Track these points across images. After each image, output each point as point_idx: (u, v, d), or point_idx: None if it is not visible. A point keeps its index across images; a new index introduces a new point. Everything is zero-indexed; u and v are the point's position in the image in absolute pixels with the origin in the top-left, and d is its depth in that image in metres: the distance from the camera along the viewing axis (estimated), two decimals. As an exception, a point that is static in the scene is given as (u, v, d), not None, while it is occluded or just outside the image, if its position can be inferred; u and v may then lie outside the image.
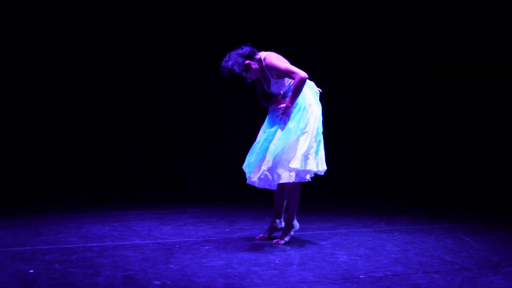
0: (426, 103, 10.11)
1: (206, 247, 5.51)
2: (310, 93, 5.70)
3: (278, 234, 5.86)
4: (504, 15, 9.69)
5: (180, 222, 6.86)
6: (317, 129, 5.61)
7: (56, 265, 4.89)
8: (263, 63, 5.58)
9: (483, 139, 9.87)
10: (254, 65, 5.57)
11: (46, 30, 9.07)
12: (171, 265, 4.85)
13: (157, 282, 4.37)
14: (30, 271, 4.70)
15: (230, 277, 4.48)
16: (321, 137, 5.65)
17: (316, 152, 5.54)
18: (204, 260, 5.00)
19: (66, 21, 9.12)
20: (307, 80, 5.61)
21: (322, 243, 5.68)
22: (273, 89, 5.66)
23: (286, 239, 5.65)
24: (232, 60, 5.52)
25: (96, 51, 9.22)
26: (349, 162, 9.87)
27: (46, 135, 9.15)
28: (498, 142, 9.83)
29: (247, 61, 5.54)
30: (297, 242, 5.71)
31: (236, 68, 5.50)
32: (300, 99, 5.55)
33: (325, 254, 5.20)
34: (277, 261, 4.96)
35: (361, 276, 4.50)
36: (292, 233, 5.70)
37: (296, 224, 5.72)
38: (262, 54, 5.64)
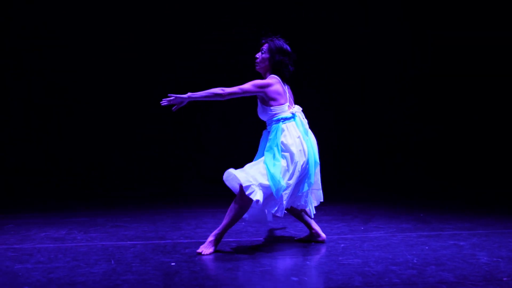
0: (426, 103, 9.99)
1: (342, 245, 5.50)
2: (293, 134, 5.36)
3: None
4: (504, 15, 9.68)
5: (315, 219, 6.85)
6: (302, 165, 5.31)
7: (196, 258, 5.03)
8: None
9: (483, 138, 9.89)
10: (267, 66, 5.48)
11: (46, 30, 9.24)
12: (308, 262, 4.88)
13: (294, 278, 4.40)
14: (172, 263, 4.85)
15: (368, 276, 4.45)
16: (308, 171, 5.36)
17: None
18: (340, 258, 4.99)
19: (66, 21, 9.26)
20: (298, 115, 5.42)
21: (461, 243, 5.52)
22: (259, 113, 5.48)
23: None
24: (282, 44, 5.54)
25: (96, 51, 9.34)
26: (349, 161, 9.85)
27: (46, 135, 9.32)
28: (498, 141, 9.88)
29: (280, 58, 5.45)
30: (434, 242, 5.59)
31: (282, 44, 5.51)
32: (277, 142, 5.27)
33: (465, 255, 5.06)
34: (415, 261, 4.88)
35: (505, 279, 4.35)
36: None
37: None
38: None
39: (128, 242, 5.70)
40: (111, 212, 7.60)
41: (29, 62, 9.29)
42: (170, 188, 9.43)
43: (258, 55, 5.55)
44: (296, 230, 6.26)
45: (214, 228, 6.26)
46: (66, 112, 9.41)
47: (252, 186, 5.05)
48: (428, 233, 6.02)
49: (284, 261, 4.90)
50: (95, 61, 9.37)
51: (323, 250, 5.31)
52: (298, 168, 5.22)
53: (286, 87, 5.50)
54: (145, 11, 9.45)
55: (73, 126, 9.41)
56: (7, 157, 9.30)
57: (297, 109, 5.49)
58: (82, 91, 9.41)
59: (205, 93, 5.36)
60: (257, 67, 5.57)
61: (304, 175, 5.31)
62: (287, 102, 5.41)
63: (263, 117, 5.46)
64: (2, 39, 9.24)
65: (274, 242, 5.68)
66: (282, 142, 5.26)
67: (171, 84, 9.55)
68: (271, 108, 5.36)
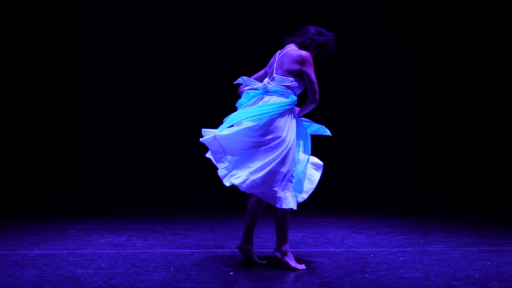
0: (426, 104, 9.79)
1: (401, 258, 5.43)
2: None
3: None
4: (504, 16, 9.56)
5: (373, 231, 6.82)
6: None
7: (255, 268, 5.04)
8: None
9: (483, 139, 9.72)
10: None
11: (48, 29, 9.21)
12: (367, 275, 4.83)
13: (354, 291, 4.38)
14: (231, 273, 4.87)
15: (428, 290, 4.40)
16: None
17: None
18: (400, 271, 4.94)
19: (67, 21, 9.23)
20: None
21: (525, 259, 5.42)
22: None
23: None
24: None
25: (96, 51, 9.31)
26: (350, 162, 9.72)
27: (46, 135, 9.30)
28: (498, 142, 9.70)
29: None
30: (497, 257, 5.48)
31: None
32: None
33: (529, 272, 4.96)
34: (476, 276, 4.80)
35: None
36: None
37: None
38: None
39: (187, 250, 5.75)
40: (170, 219, 7.67)
41: (30, 62, 9.31)
42: (229, 196, 9.44)
43: None
44: (355, 241, 6.22)
45: (272, 239, 6.32)
46: (66, 112, 9.43)
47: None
48: (490, 248, 5.91)
49: (343, 273, 4.87)
50: (95, 61, 9.39)
51: (382, 262, 5.25)
52: None
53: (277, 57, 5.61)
54: (145, 11, 9.45)
55: (73, 126, 9.44)
56: (7, 157, 9.34)
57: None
58: (82, 91, 9.42)
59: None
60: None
61: None
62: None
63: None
64: (3, 39, 9.28)
65: (331, 253, 5.65)
66: None
67: (171, 84, 9.55)
68: None
